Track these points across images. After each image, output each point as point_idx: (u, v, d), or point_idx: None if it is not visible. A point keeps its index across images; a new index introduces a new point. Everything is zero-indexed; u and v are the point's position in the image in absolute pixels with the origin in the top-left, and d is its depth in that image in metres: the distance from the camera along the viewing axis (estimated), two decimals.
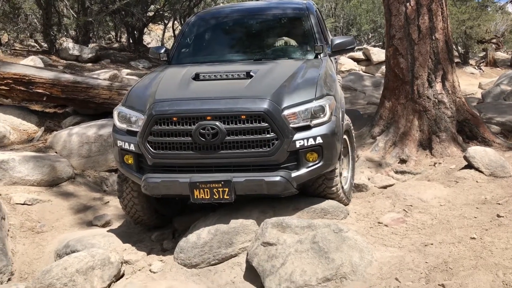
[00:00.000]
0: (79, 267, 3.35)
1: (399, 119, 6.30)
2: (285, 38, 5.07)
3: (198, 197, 3.45)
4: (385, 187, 4.84)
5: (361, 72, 13.94)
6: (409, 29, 6.16)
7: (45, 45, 11.09)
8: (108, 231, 4.34)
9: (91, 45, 11.66)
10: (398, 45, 6.29)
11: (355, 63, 14.89)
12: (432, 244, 3.13)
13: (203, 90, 3.66)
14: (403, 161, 6.00)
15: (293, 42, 4.96)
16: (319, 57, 4.40)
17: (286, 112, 3.39)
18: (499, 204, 3.73)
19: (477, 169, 4.60)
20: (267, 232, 3.41)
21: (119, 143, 3.72)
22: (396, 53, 6.33)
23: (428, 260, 2.92)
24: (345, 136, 4.09)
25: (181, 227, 4.23)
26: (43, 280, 3.30)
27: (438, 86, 6.10)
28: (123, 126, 3.71)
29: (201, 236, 3.59)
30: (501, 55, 16.82)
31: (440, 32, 6.13)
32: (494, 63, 15.96)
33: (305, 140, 3.41)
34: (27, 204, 4.80)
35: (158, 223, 4.38)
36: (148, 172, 3.62)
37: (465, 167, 4.77)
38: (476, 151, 4.73)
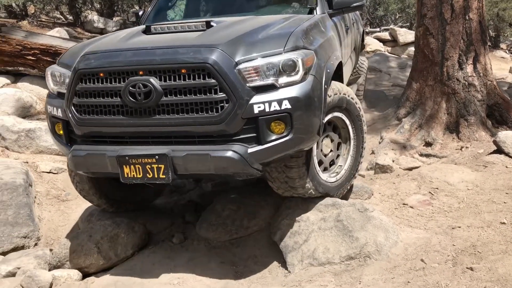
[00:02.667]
0: (103, 235, 3.41)
1: (426, 101, 6.16)
2: None
3: (129, 175, 2.81)
4: (410, 169, 4.76)
5: (386, 53, 13.63)
6: (442, 8, 5.96)
7: (70, 17, 11.12)
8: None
9: (115, 19, 11.66)
10: (429, 25, 6.10)
11: (381, 43, 14.54)
12: (459, 227, 3.07)
13: (145, 42, 2.96)
14: (428, 144, 5.88)
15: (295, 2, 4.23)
16: (314, 13, 3.71)
17: (242, 66, 2.65)
18: None
19: (507, 154, 4.48)
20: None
21: (49, 108, 3.13)
22: (427, 32, 6.15)
23: (455, 243, 2.86)
24: (342, 115, 3.30)
25: (203, 201, 4.25)
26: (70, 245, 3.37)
27: (469, 68, 5.92)
28: (55, 87, 3.12)
29: (225, 208, 3.59)
30: None
31: (475, 12, 5.91)
32: None
33: (267, 104, 2.64)
34: (52, 173, 4.88)
35: (116, 210, 3.82)
36: (77, 144, 3.03)
37: (494, 151, 4.65)
38: (507, 135, 4.60)
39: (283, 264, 3.17)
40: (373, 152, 6.13)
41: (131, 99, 2.68)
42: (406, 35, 13.95)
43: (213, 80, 2.61)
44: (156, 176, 2.77)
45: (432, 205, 3.58)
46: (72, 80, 2.86)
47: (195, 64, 2.62)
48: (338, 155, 3.46)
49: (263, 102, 2.64)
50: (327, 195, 3.34)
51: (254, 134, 2.71)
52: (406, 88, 6.71)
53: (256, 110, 2.64)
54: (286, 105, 2.65)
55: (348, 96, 3.28)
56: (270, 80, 2.67)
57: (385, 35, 15.00)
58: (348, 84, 5.32)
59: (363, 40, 6.79)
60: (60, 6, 11.45)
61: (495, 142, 4.67)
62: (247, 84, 2.65)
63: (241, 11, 3.95)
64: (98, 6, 11.98)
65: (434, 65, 6.09)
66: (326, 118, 3.08)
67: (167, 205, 4.34)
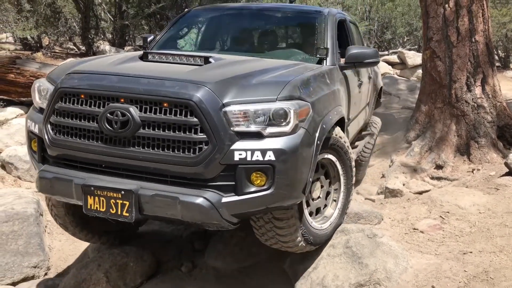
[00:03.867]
0: (112, 264, 3.41)
1: (436, 123, 6.15)
2: (290, 43, 4.47)
3: (92, 207, 2.60)
4: (420, 192, 4.71)
5: (395, 75, 13.68)
6: (448, 31, 6.01)
7: (83, 48, 11.40)
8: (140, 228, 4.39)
9: (126, 48, 11.93)
10: (436, 48, 6.14)
11: (390, 66, 14.60)
12: (471, 252, 3.01)
13: (136, 69, 2.79)
14: (439, 167, 5.84)
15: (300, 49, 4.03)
16: (323, 63, 3.52)
17: (229, 109, 2.46)
18: None
19: None
20: None
21: (28, 122, 2.97)
22: (434, 55, 6.18)
23: (467, 268, 2.81)
24: (332, 157, 3.11)
25: None
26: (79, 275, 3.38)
27: (477, 90, 5.91)
28: (39, 102, 2.95)
29: (233, 235, 3.58)
30: None
31: (481, 34, 5.95)
32: None
33: (249, 153, 2.43)
34: None
35: (95, 241, 3.63)
36: (49, 164, 2.84)
37: (506, 174, 4.59)
38: None
39: None
40: (383, 176, 6.09)
41: (108, 126, 2.52)
42: (415, 57, 14.02)
43: (195, 119, 2.42)
44: (119, 212, 2.55)
45: (443, 230, 3.52)
46: (52, 97, 2.71)
47: (178, 99, 2.45)
48: (328, 193, 3.24)
49: (246, 150, 2.44)
50: (319, 244, 3.14)
51: (232, 183, 2.48)
52: (415, 110, 6.71)
53: (236, 157, 2.44)
54: (270, 156, 2.44)
55: (337, 135, 3.09)
56: (257, 128, 2.48)
57: (394, 58, 15.08)
58: (355, 141, 5.07)
59: (379, 95, 6.38)
60: (73, 37, 11.75)
61: (506, 164, 4.62)
62: (232, 129, 2.46)
63: (252, 51, 3.93)
64: (110, 36, 12.27)
65: (442, 88, 6.10)
66: (319, 158, 2.90)
67: (176, 232, 4.34)
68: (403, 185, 5.20)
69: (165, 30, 4.30)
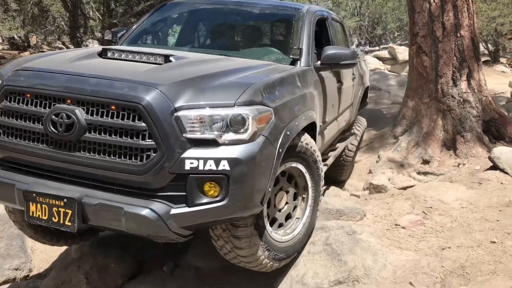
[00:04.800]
0: (93, 265, 3.39)
1: (423, 118, 6.15)
2: (266, 41, 4.21)
3: (34, 214, 2.44)
4: (405, 188, 4.72)
5: (386, 71, 13.70)
6: (433, 27, 6.00)
7: (72, 46, 11.35)
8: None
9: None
10: (422, 43, 6.14)
11: (380, 62, 14.65)
12: (449, 247, 3.02)
13: (90, 67, 2.62)
14: (426, 162, 5.85)
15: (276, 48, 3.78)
16: (297, 64, 3.34)
17: (182, 113, 2.29)
18: None
19: (502, 170, 4.43)
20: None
21: None
22: (420, 51, 6.18)
23: (444, 264, 2.81)
24: (300, 166, 2.96)
25: None
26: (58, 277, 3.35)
27: (463, 85, 5.92)
28: None
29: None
30: None
31: (466, 29, 5.94)
32: None
33: (202, 162, 2.27)
34: None
35: (53, 243, 3.42)
36: None
37: (490, 168, 4.61)
38: (501, 151, 4.56)
39: None
40: (370, 172, 6.10)
41: (52, 129, 2.35)
42: (405, 53, 14.10)
43: (143, 124, 2.26)
44: (61, 221, 2.39)
45: (424, 225, 3.53)
46: None
47: (126, 102, 2.27)
48: (295, 207, 3.07)
49: (198, 159, 2.27)
50: (283, 259, 2.96)
51: (183, 193, 2.32)
52: (402, 106, 6.71)
53: (187, 166, 2.27)
54: (224, 166, 2.29)
55: (305, 143, 2.95)
56: (212, 135, 2.31)
57: (384, 53, 15.12)
58: (336, 143, 4.89)
59: (366, 95, 6.24)
60: (62, 36, 11.71)
61: (490, 159, 4.63)
62: (184, 135, 2.28)
63: (226, 48, 3.76)
64: (99, 35, 12.23)
65: (429, 83, 6.10)
66: (283, 167, 2.78)
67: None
68: (389, 180, 5.20)
69: (137, 24, 4.09)
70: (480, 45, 15.55)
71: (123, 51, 2.85)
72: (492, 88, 11.38)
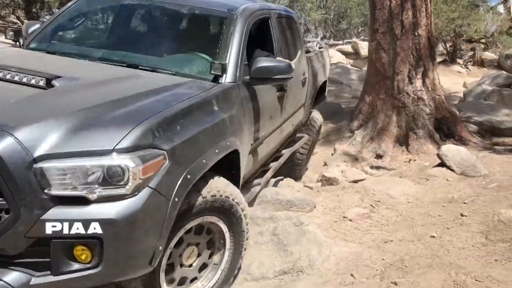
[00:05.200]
0: None
1: (378, 114, 6.27)
2: (194, 47, 3.40)
3: None
4: (356, 181, 4.81)
5: (348, 65, 13.91)
6: (393, 24, 6.11)
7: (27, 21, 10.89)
8: None
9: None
10: (381, 40, 6.24)
11: (344, 56, 14.86)
12: (392, 241, 3.11)
13: None
14: (379, 157, 5.98)
15: (205, 56, 3.17)
16: (220, 81, 2.85)
17: (44, 165, 1.87)
18: (464, 203, 3.72)
19: (448, 167, 4.60)
20: None
21: None
22: (379, 47, 6.28)
23: (385, 257, 2.89)
24: (216, 219, 2.54)
25: None
26: None
27: (418, 83, 6.08)
28: None
29: None
30: (489, 55, 16.86)
31: (423, 29, 6.09)
32: (481, 63, 16.01)
33: (66, 225, 1.87)
34: None
35: None
36: None
37: (438, 165, 4.77)
38: (449, 149, 4.73)
39: None
40: (325, 164, 6.19)
41: None
42: (367, 48, 14.33)
43: None
44: None
45: (371, 218, 3.62)
46: None
47: None
48: (205, 265, 2.64)
49: (62, 221, 1.86)
50: None
51: (47, 259, 1.92)
52: (359, 101, 6.82)
53: (48, 230, 1.87)
54: (95, 228, 1.88)
55: (234, 200, 2.57)
56: (81, 191, 1.90)
57: (348, 48, 15.33)
58: (282, 149, 4.56)
59: (324, 90, 5.88)
60: (17, 11, 11.18)
61: (438, 156, 4.80)
62: (46, 191, 1.87)
63: (148, 53, 3.24)
64: (57, 10, 11.75)
65: (386, 79, 6.22)
66: (192, 224, 2.40)
67: None
68: (341, 173, 5.29)
69: (49, 20, 3.57)
70: (440, 45, 16.07)
71: (5, 68, 2.40)
72: (447, 88, 11.79)
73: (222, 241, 2.65)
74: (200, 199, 2.34)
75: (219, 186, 2.48)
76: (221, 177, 2.56)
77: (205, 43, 3.37)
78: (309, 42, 15.89)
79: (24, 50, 3.30)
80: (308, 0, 15.79)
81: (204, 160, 2.33)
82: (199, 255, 2.59)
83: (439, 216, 3.51)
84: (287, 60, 3.18)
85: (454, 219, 3.41)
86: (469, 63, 15.82)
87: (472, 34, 15.57)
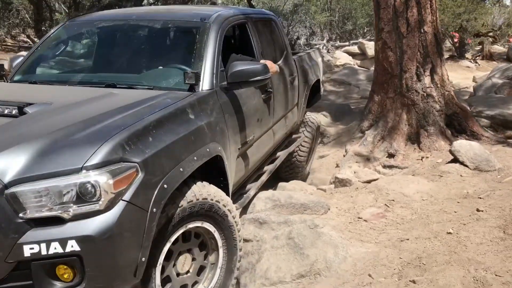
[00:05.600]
0: None
1: (388, 113, 6.26)
2: (170, 61, 3.41)
3: None
4: (369, 181, 4.80)
5: (355, 66, 13.89)
6: (398, 22, 6.10)
7: (37, 40, 11.05)
8: None
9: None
10: (387, 38, 6.23)
11: (350, 57, 14.83)
12: (408, 239, 3.09)
13: None
14: (391, 156, 5.96)
15: (182, 67, 3.21)
16: (196, 90, 2.90)
17: (16, 189, 1.92)
18: (480, 198, 3.69)
19: (462, 163, 4.56)
20: (243, 228, 3.37)
21: None
22: (385, 46, 6.28)
23: (402, 255, 2.88)
24: (204, 223, 2.61)
25: None
26: None
27: (426, 80, 6.05)
28: None
29: None
30: (497, 48, 16.72)
31: (429, 25, 6.07)
32: (490, 57, 15.89)
33: (44, 245, 1.92)
34: None
35: None
36: None
37: (451, 161, 4.73)
38: (461, 144, 4.69)
39: (237, 285, 3.13)
40: (337, 166, 6.18)
41: None
42: (374, 48, 14.29)
43: None
44: None
45: (385, 218, 3.60)
46: None
47: None
48: (203, 268, 2.72)
49: (39, 242, 1.90)
50: None
51: (30, 282, 1.97)
52: (368, 101, 6.81)
53: (27, 252, 1.91)
54: (72, 246, 1.92)
55: (213, 200, 2.61)
56: (56, 211, 1.94)
57: (354, 48, 15.30)
58: (277, 151, 4.60)
59: (318, 89, 5.90)
60: (27, 30, 11.37)
61: (450, 152, 4.76)
62: (21, 215, 1.91)
63: (126, 71, 3.37)
64: None
65: (394, 78, 6.21)
66: (176, 234, 2.43)
67: None
68: (354, 173, 5.28)
69: (30, 52, 3.65)
70: (447, 40, 15.97)
71: None
72: (457, 83, 11.72)
73: (213, 241, 2.72)
74: (178, 209, 2.37)
75: (194, 191, 2.51)
76: (196, 181, 2.59)
77: (181, 55, 3.44)
78: (315, 44, 15.91)
79: (7, 83, 3.41)
80: (313, 3, 15.83)
81: (181, 169, 2.36)
82: (193, 259, 2.64)
83: (455, 212, 3.49)
84: (263, 62, 3.21)
85: (470, 214, 3.38)
86: (477, 57, 15.70)
87: (480, 28, 15.45)
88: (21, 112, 2.39)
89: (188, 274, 2.62)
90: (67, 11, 11.55)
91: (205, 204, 2.56)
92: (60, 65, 3.77)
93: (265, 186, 4.26)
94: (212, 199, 2.61)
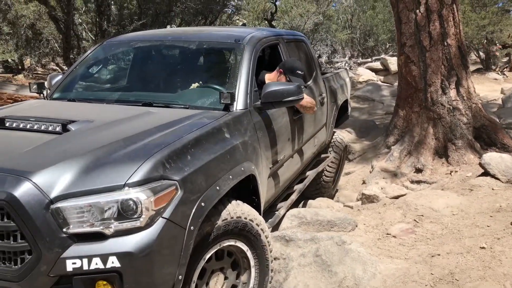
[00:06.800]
0: None
1: (414, 127, 6.17)
2: (196, 84, 3.39)
3: None
4: (396, 197, 4.71)
5: (379, 82, 13.81)
6: (420, 36, 6.07)
7: (66, 67, 11.44)
8: None
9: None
10: (410, 53, 6.20)
11: (373, 73, 14.77)
12: (439, 254, 3.01)
13: None
14: (419, 171, 5.85)
15: (217, 87, 3.26)
16: (231, 109, 2.92)
17: (61, 205, 1.96)
18: None
19: (493, 176, 4.44)
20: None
21: None
22: (408, 61, 6.24)
23: (434, 271, 2.80)
24: (237, 242, 2.59)
25: None
26: None
27: (452, 93, 5.96)
28: None
29: None
30: None
31: (452, 38, 6.01)
32: None
33: (86, 261, 1.94)
34: None
35: None
36: None
37: (481, 174, 4.62)
38: (491, 157, 4.57)
39: None
40: (364, 182, 6.10)
41: None
42: (397, 62, 14.20)
43: (12, 224, 1.94)
44: None
45: (415, 233, 3.52)
46: None
47: None
48: (234, 286, 2.68)
49: (81, 257, 1.93)
50: None
51: None
52: (393, 116, 6.74)
53: (69, 267, 1.94)
54: (113, 262, 1.95)
55: (247, 218, 2.60)
56: (98, 227, 1.97)
57: (377, 64, 15.23)
58: (306, 171, 4.60)
59: (346, 109, 5.91)
60: (56, 58, 11.79)
61: (481, 165, 4.65)
62: (64, 230, 1.95)
63: (163, 91, 3.42)
64: None
65: (418, 92, 6.14)
66: (211, 252, 2.44)
67: None
68: (382, 189, 5.19)
69: (69, 71, 3.76)
70: (472, 53, 15.74)
71: (24, 119, 2.57)
72: (484, 95, 11.49)
73: (245, 260, 2.69)
74: (213, 227, 2.38)
75: (229, 209, 2.50)
76: (231, 200, 2.59)
77: (216, 75, 3.48)
78: (337, 62, 15.91)
79: (47, 101, 3.48)
80: (333, 22, 15.92)
81: (217, 187, 2.38)
82: (226, 278, 2.61)
83: (488, 226, 3.38)
84: (296, 84, 3.22)
85: (504, 228, 3.27)
86: (505, 69, 15.39)
87: (506, 39, 15.19)
88: (65, 129, 2.45)
89: None
90: (93, 38, 11.95)
91: (239, 223, 2.55)
92: (97, 84, 3.89)
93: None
94: (245, 218, 2.60)
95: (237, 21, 16.37)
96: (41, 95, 3.54)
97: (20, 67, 10.72)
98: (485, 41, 14.92)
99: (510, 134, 6.24)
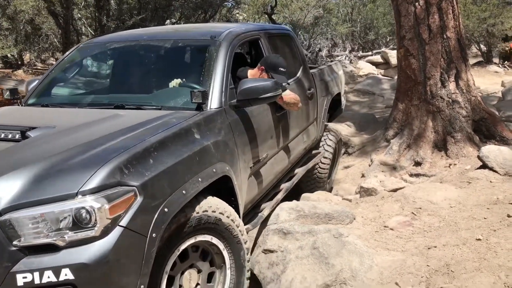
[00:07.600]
0: None
1: (413, 121, 6.17)
2: (178, 80, 3.26)
3: None
4: (395, 190, 4.72)
5: (379, 75, 13.79)
6: (419, 29, 6.05)
7: None
8: None
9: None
10: (409, 46, 6.18)
11: (374, 67, 14.74)
12: (435, 246, 3.02)
13: None
14: (418, 164, 5.86)
15: (191, 86, 3.14)
16: (204, 109, 2.84)
17: (10, 216, 1.87)
18: (511, 204, 3.57)
19: (491, 169, 4.44)
20: (268, 239, 3.37)
21: None
22: (407, 54, 6.22)
23: (430, 263, 2.81)
24: (211, 238, 2.57)
25: None
26: None
27: (451, 86, 5.95)
28: None
29: None
30: None
31: (452, 31, 5.99)
32: None
33: (37, 274, 1.85)
34: None
35: None
36: None
37: (480, 167, 4.62)
38: (489, 150, 4.57)
39: None
40: (363, 175, 6.11)
41: None
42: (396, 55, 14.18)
43: None
44: None
45: (412, 226, 3.53)
46: None
47: None
48: (212, 274, 2.71)
49: (32, 271, 1.83)
50: None
51: None
52: (392, 109, 6.74)
53: (20, 282, 1.84)
54: (66, 275, 1.84)
55: (221, 213, 2.57)
56: (50, 238, 1.87)
57: (377, 58, 15.20)
58: (295, 167, 4.54)
59: (338, 101, 5.85)
60: (55, 53, 11.79)
61: (479, 157, 4.64)
62: (14, 243, 1.86)
63: (139, 92, 3.36)
64: None
65: (418, 85, 6.14)
66: (188, 243, 2.41)
67: None
68: (380, 183, 5.20)
69: (44, 75, 3.69)
70: (473, 46, 15.69)
71: None
72: (485, 88, 11.47)
73: (213, 247, 2.66)
74: (192, 218, 2.36)
75: (205, 203, 2.49)
76: (206, 195, 2.55)
77: (191, 73, 3.37)
78: (337, 55, 15.86)
79: (20, 107, 3.40)
80: (333, 15, 15.87)
81: (184, 191, 2.29)
82: (199, 271, 2.61)
83: (484, 218, 3.39)
84: (272, 79, 3.16)
85: (500, 220, 3.28)
86: (506, 61, 15.34)
87: (506, 31, 15.13)
88: (24, 136, 2.37)
89: (198, 286, 2.60)
90: (93, 33, 11.94)
91: (212, 219, 2.53)
92: (73, 88, 3.77)
93: (289, 197, 4.24)
94: (227, 216, 2.59)
95: (237, 15, 16.33)
96: (18, 101, 3.45)
97: (19, 62, 10.72)
98: (486, 34, 14.87)
99: (509, 127, 6.24)
